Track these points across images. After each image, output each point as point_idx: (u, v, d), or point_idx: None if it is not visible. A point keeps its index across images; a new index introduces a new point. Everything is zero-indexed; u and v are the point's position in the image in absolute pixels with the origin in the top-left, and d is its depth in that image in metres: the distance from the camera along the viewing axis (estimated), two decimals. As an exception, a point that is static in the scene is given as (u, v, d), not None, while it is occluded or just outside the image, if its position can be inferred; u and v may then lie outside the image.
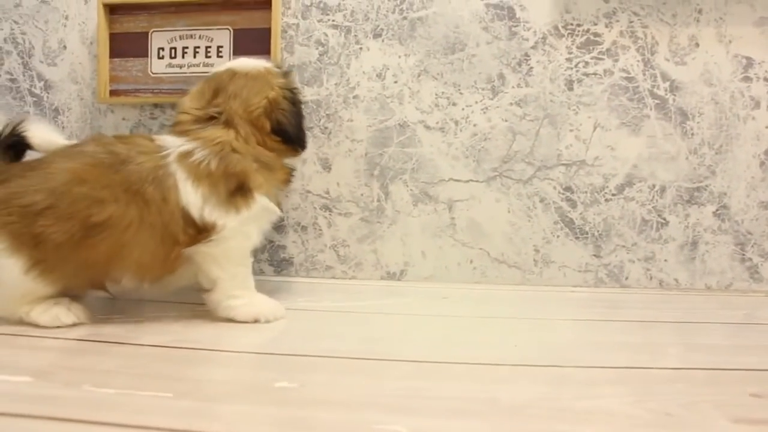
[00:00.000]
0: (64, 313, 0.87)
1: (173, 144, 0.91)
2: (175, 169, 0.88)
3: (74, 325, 0.87)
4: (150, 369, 0.70)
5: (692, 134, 1.16)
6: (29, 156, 0.93)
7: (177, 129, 0.95)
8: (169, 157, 0.89)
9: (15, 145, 0.91)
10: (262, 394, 0.63)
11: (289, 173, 1.00)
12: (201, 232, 0.88)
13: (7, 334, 0.83)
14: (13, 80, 1.34)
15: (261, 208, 0.92)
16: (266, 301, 0.94)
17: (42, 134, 0.92)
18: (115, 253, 0.86)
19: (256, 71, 0.98)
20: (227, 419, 0.57)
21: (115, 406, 0.59)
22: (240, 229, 0.90)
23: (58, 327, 0.86)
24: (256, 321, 0.91)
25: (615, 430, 0.55)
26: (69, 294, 0.91)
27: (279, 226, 1.25)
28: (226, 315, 0.91)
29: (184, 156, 0.89)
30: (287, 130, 0.97)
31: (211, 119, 0.95)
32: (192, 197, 0.88)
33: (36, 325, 0.85)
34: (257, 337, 0.86)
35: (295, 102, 1.00)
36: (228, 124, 0.94)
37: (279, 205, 0.97)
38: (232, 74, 0.97)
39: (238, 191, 0.90)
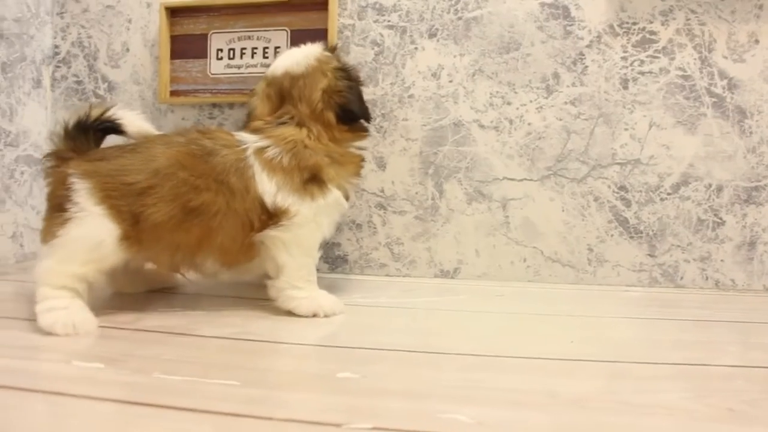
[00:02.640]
0: (61, 323, 0.82)
1: (250, 140, 0.95)
2: (253, 161, 0.92)
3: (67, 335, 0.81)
4: (215, 359, 0.73)
5: (751, 133, 1.15)
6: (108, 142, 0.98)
7: (251, 128, 0.99)
8: (248, 151, 0.93)
9: (104, 130, 0.95)
10: (325, 384, 0.65)
11: (359, 163, 1.02)
12: (272, 217, 0.92)
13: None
14: (79, 82, 1.39)
15: (334, 200, 0.96)
16: (326, 296, 0.96)
17: (136, 122, 0.96)
18: (204, 238, 0.91)
19: (311, 67, 1.00)
20: (293, 406, 0.58)
21: (184, 392, 0.61)
22: (313, 218, 0.94)
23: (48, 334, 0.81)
24: (315, 315, 0.93)
25: (676, 423, 0.55)
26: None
27: (334, 224, 1.27)
28: (286, 305, 0.94)
29: (260, 151, 0.93)
30: (351, 109, 1.00)
31: (283, 123, 0.98)
32: (267, 186, 0.92)
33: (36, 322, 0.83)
34: (317, 330, 0.87)
35: (349, 78, 1.03)
36: (300, 124, 0.97)
37: (348, 198, 1.00)
38: (291, 78, 1.00)
39: (312, 181, 0.94)
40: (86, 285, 0.87)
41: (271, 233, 0.92)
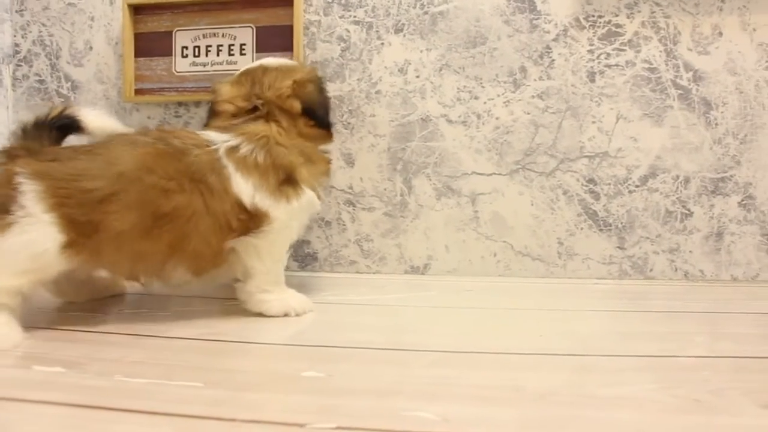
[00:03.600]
0: None
1: (219, 139, 0.91)
2: (226, 162, 0.89)
3: None
4: (180, 360, 0.71)
5: (716, 124, 1.16)
6: (69, 142, 0.92)
7: (217, 124, 0.96)
8: (220, 151, 0.89)
9: (62, 128, 0.89)
10: (290, 384, 0.64)
11: (328, 163, 1.01)
12: (252, 218, 0.88)
13: (38, 327, 0.84)
14: (41, 81, 1.36)
15: (308, 201, 0.94)
16: (295, 296, 0.95)
17: (96, 119, 0.91)
18: (176, 244, 0.85)
19: (286, 66, 1.01)
20: (256, 407, 0.57)
21: (147, 395, 0.60)
22: (288, 222, 0.91)
23: None
24: (286, 315, 0.92)
25: (643, 415, 0.55)
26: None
27: (303, 222, 1.26)
28: (257, 309, 0.92)
29: (232, 150, 0.90)
30: (314, 109, 0.98)
31: (253, 111, 0.96)
32: (243, 186, 0.88)
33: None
34: (284, 329, 0.86)
35: (321, 88, 1.03)
36: (268, 117, 0.95)
37: (320, 198, 0.98)
38: (264, 69, 0.99)
39: (287, 182, 0.92)
40: (20, 298, 0.80)
41: (247, 239, 0.89)
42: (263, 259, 0.91)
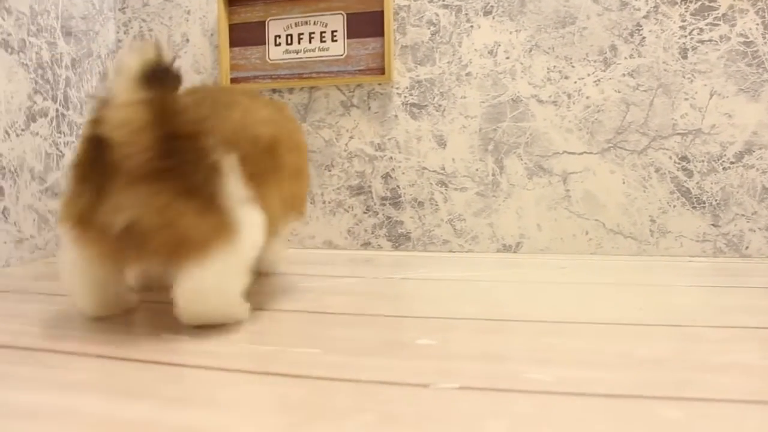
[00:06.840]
0: None
1: None
2: None
3: None
4: (294, 330, 0.75)
5: (815, 98, 1.14)
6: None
7: None
8: None
9: None
10: (406, 350, 0.67)
11: None
12: None
13: (151, 301, 0.90)
14: (143, 73, 1.43)
15: None
16: None
17: None
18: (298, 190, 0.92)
19: None
20: (374, 369, 0.61)
21: (273, 360, 0.64)
22: None
23: None
24: None
25: (754, 380, 0.56)
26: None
27: (396, 203, 1.29)
28: None
29: None
30: None
31: None
32: None
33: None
34: (386, 303, 0.89)
35: None
36: None
37: None
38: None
39: None
40: None
41: None
42: None
